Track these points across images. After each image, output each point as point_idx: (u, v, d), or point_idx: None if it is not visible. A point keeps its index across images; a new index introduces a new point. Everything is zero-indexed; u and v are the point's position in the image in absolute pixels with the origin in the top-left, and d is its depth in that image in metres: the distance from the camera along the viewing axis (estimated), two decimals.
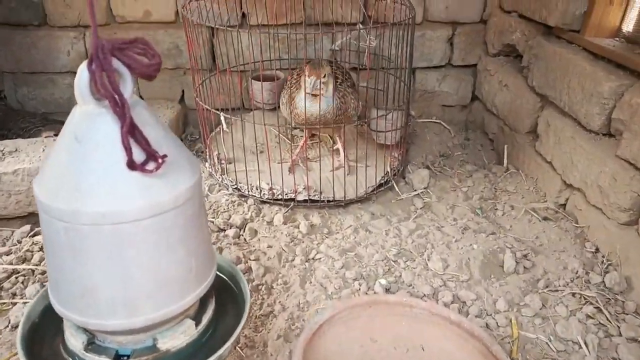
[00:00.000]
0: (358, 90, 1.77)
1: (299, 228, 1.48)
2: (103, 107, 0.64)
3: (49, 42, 2.01)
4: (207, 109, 1.60)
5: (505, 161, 1.88)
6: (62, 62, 2.05)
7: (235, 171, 1.68)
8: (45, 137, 1.82)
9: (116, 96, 0.63)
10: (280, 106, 1.70)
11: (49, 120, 2.07)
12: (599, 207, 1.40)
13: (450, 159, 1.97)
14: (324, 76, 1.47)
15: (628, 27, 1.54)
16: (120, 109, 0.61)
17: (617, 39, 1.56)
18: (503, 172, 1.82)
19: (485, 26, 2.10)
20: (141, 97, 2.15)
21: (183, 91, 2.16)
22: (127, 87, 0.66)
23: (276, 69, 2.06)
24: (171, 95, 2.16)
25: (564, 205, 1.58)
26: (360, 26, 1.97)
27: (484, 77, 2.10)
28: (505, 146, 1.90)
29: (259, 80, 1.93)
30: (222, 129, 1.66)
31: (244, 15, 2.03)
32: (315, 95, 1.48)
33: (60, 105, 2.13)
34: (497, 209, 1.63)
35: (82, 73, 0.63)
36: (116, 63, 0.65)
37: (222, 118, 1.57)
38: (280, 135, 1.94)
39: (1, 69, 2.04)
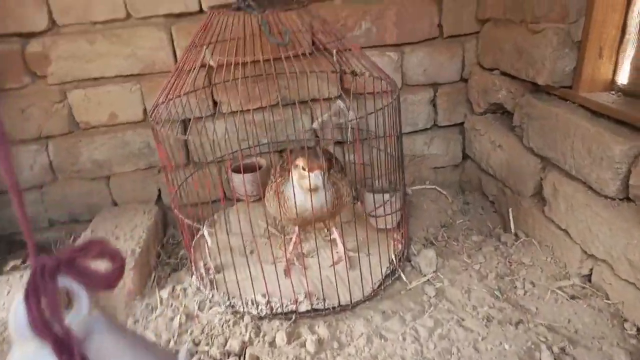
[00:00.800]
0: (346, 172, 1.66)
1: (305, 347, 1.31)
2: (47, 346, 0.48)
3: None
4: (188, 224, 1.45)
5: (512, 227, 1.75)
6: (25, 178, 1.90)
7: (225, 282, 1.52)
8: (12, 267, 1.65)
9: (61, 332, 0.48)
10: (266, 203, 1.56)
11: (15, 242, 1.91)
12: (631, 281, 1.27)
13: (452, 229, 1.84)
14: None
15: (622, 79, 1.46)
16: (67, 354, 0.46)
17: (613, 92, 1.48)
18: (513, 241, 1.69)
19: (467, 84, 2.03)
20: (115, 203, 2.01)
21: (159, 190, 2.02)
22: (82, 307, 0.51)
23: (257, 155, 1.94)
24: (146, 196, 2.01)
25: (589, 277, 1.45)
26: (340, 103, 1.87)
27: (473, 136, 2.01)
28: (510, 210, 1.79)
29: (240, 172, 1.80)
30: (207, 244, 1.51)
31: (215, 103, 1.92)
32: (313, 190, 1.35)
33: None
34: (516, 287, 1.49)
35: (18, 308, 0.48)
36: (65, 281, 0.50)
37: (205, 233, 1.42)
38: (270, 228, 1.79)
39: None
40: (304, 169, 1.31)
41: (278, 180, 1.48)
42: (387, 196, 1.58)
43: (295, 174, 1.36)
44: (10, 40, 1.74)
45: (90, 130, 1.90)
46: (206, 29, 1.48)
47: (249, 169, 1.89)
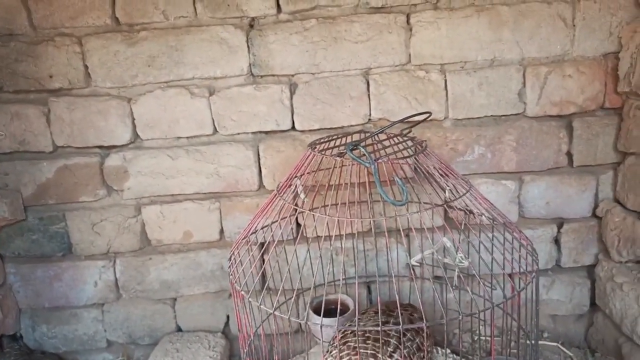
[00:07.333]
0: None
1: None
2: None
3: (74, 273, 1.71)
4: None
5: None
6: (87, 294, 1.73)
7: None
8: None
9: None
10: None
11: None
12: None
13: None
14: None
15: None
16: None
17: None
18: None
19: (600, 222, 1.67)
20: (179, 329, 1.79)
21: (228, 317, 1.78)
22: None
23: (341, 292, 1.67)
24: (214, 322, 1.78)
25: None
26: (446, 241, 1.58)
27: (611, 289, 1.62)
28: None
29: (320, 310, 1.52)
30: None
31: (298, 225, 1.70)
32: None
33: (83, 342, 1.77)
34: None
35: None
36: None
37: None
38: None
39: (19, 307, 1.74)
40: None
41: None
42: None
43: None
44: (90, 153, 1.63)
45: (162, 247, 1.72)
46: (300, 168, 1.28)
47: (331, 304, 1.62)
